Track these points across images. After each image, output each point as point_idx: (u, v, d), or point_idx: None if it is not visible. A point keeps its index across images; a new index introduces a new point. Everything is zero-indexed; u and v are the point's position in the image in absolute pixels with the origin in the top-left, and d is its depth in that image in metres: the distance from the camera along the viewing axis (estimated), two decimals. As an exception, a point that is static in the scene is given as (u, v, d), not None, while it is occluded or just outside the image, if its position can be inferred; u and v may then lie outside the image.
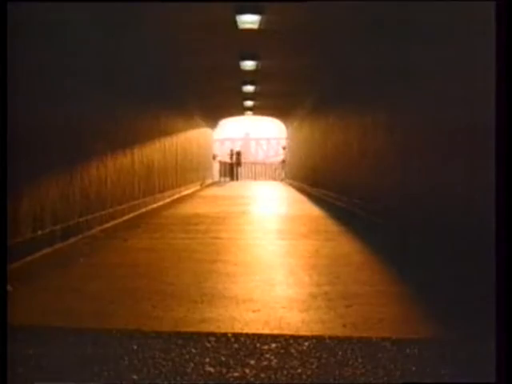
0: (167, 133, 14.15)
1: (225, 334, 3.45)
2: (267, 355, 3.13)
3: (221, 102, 20.03)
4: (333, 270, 5.41)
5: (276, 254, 6.31)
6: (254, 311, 3.98)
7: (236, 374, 2.88)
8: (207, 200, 14.87)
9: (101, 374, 2.88)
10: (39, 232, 5.98)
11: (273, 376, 2.87)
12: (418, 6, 6.76)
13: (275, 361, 3.05)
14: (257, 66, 12.17)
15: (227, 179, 29.55)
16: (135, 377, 2.86)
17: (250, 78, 13.99)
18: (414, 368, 2.97)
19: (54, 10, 6.04)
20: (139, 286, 4.73)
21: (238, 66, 12.13)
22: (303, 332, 3.52)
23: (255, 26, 8.79)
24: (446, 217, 6.37)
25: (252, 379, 2.84)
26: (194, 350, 3.19)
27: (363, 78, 10.66)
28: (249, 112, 23.33)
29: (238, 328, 3.61)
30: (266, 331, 3.55)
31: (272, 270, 5.46)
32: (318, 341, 3.36)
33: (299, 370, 2.93)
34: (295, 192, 19.69)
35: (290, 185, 24.61)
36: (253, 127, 39.36)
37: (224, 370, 2.93)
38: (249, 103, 19.57)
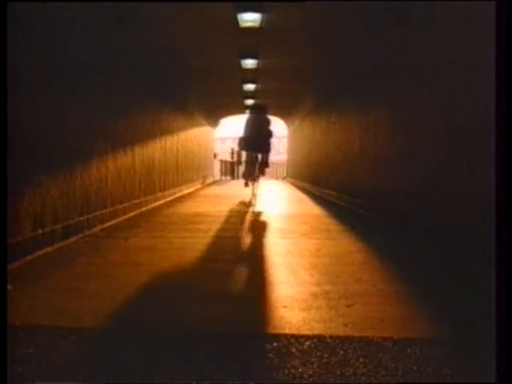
0: (168, 131, 14.15)
1: (225, 334, 3.45)
2: (268, 354, 3.13)
3: (221, 101, 20.04)
4: (334, 269, 5.41)
5: (277, 253, 6.31)
6: (254, 310, 3.98)
7: (236, 374, 2.88)
8: (208, 199, 14.87)
9: (101, 373, 2.88)
10: (40, 231, 5.98)
11: (273, 375, 2.87)
12: (418, 4, 6.76)
13: (276, 360, 3.05)
14: (257, 64, 12.18)
15: (228, 178, 29.57)
16: (135, 376, 2.86)
17: (250, 76, 14.00)
18: (415, 368, 2.97)
19: (53, 9, 6.04)
20: (140, 286, 4.74)
21: (239, 64, 12.14)
22: (304, 331, 3.52)
23: (256, 25, 8.80)
24: (447, 216, 6.37)
25: (252, 379, 2.83)
26: (194, 350, 3.19)
27: (364, 76, 10.66)
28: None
29: (239, 327, 3.60)
30: (267, 330, 3.55)
31: (273, 269, 5.46)
32: (319, 340, 3.35)
33: (300, 370, 2.93)
34: (296, 191, 19.68)
35: (292, 183, 24.60)
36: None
37: (224, 370, 2.93)
38: (250, 102, 19.57)
